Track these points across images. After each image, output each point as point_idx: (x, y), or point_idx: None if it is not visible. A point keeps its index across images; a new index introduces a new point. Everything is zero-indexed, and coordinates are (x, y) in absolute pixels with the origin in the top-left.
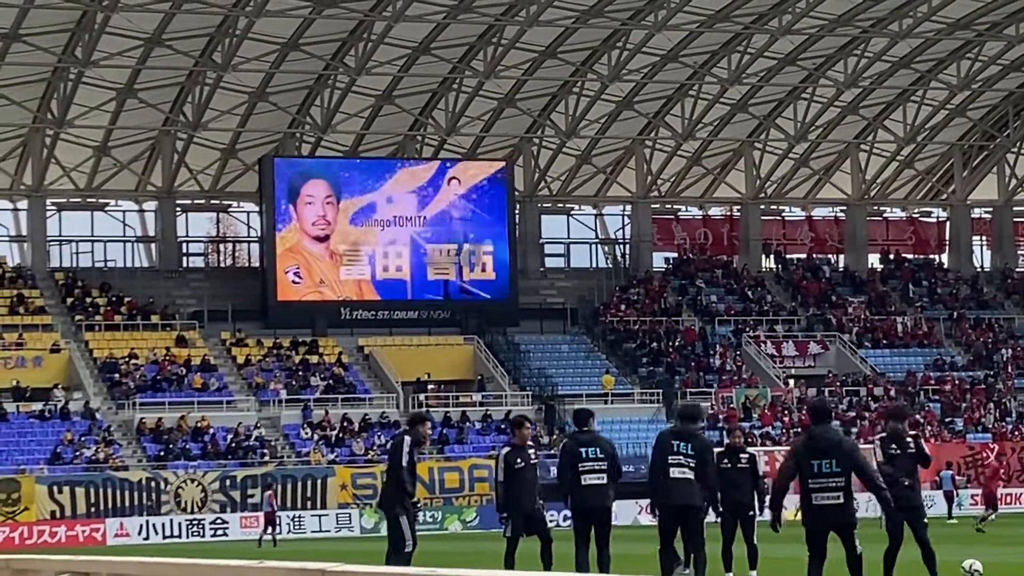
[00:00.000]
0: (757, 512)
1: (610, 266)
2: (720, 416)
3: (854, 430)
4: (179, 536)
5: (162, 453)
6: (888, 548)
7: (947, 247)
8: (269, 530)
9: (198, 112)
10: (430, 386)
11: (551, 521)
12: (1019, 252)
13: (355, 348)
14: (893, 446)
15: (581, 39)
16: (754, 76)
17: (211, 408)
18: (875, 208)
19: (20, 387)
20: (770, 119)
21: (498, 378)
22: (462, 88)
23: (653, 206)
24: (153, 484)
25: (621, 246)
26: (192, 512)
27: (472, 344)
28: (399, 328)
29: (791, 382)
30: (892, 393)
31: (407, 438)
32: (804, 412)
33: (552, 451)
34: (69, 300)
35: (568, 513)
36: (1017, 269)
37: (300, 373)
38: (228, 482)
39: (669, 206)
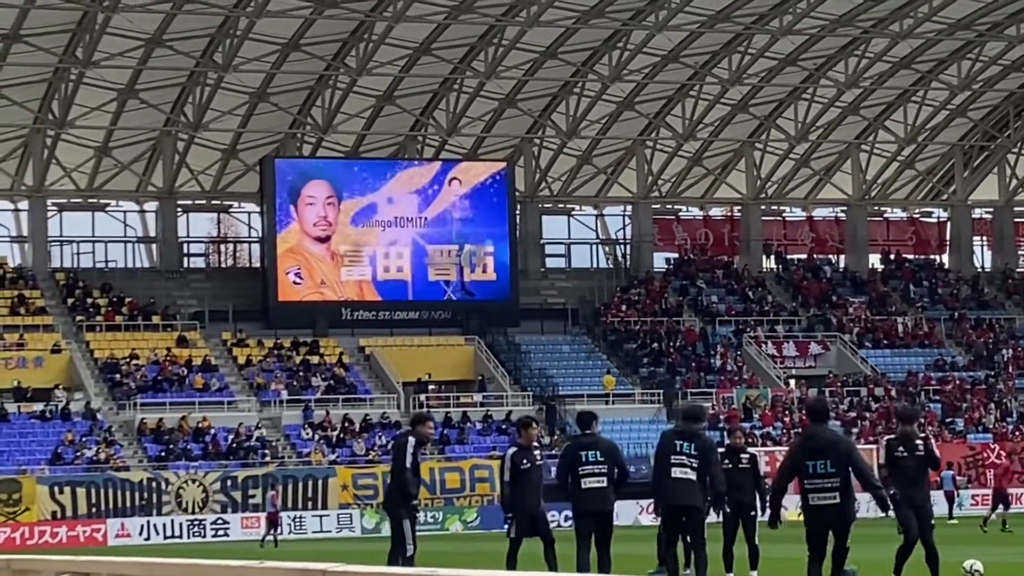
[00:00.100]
0: (759, 512)
1: (611, 266)
2: (721, 416)
3: (855, 431)
4: (180, 536)
5: (163, 453)
6: (901, 545)
7: (948, 247)
8: (271, 530)
9: (199, 112)
10: (431, 386)
11: (551, 521)
12: (1020, 252)
13: (356, 348)
14: (900, 448)
15: (582, 39)
16: (755, 76)
17: (212, 408)
18: (876, 208)
19: (21, 387)
20: (771, 119)
21: (499, 378)
22: (463, 88)
23: (654, 206)
24: (154, 484)
25: (622, 246)
26: (193, 512)
27: (473, 344)
28: (400, 328)
29: (792, 382)
30: (893, 393)
31: (411, 439)
32: (803, 412)
33: (553, 451)
34: (70, 300)
35: (569, 513)
36: (1018, 269)
37: (301, 373)
38: (229, 482)
39: (670, 206)
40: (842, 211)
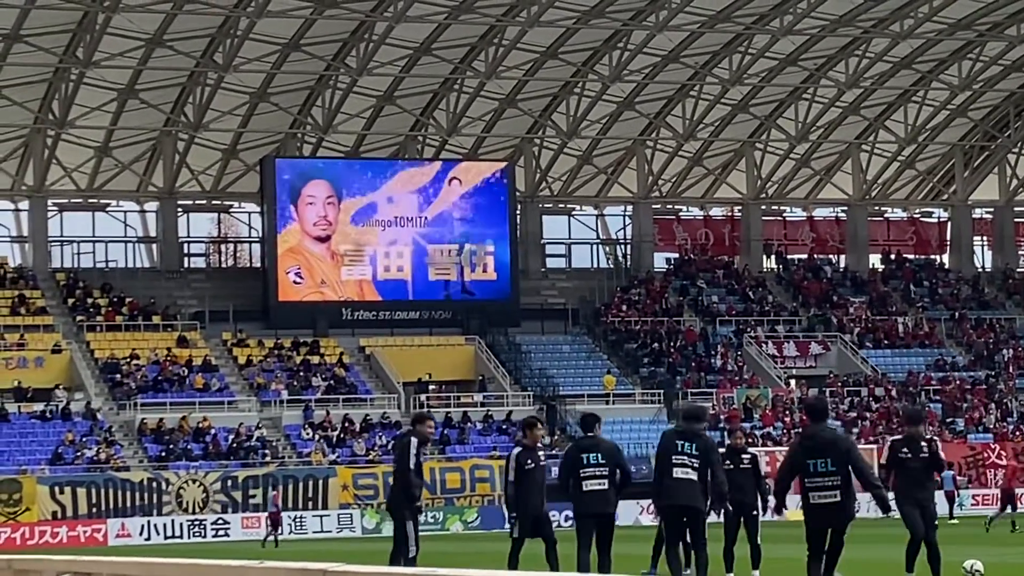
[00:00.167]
0: (760, 512)
1: (611, 266)
2: (721, 417)
3: (855, 431)
4: (180, 537)
5: (163, 453)
6: (909, 544)
7: (948, 247)
8: (274, 531)
9: (199, 112)
10: (431, 386)
11: (552, 521)
12: (1020, 252)
13: (356, 348)
14: (904, 450)
15: (582, 40)
16: (755, 76)
17: (212, 408)
18: (876, 208)
19: (21, 388)
20: (771, 119)
21: (499, 378)
22: (463, 88)
23: (654, 206)
24: (154, 485)
25: (622, 246)
26: (193, 513)
27: (473, 344)
28: (400, 328)
29: (792, 382)
30: (894, 393)
31: (413, 439)
32: (803, 412)
33: (554, 451)
34: (70, 301)
35: (569, 513)
36: (1018, 269)
37: (301, 373)
38: (229, 482)
39: (670, 206)
40: (842, 211)
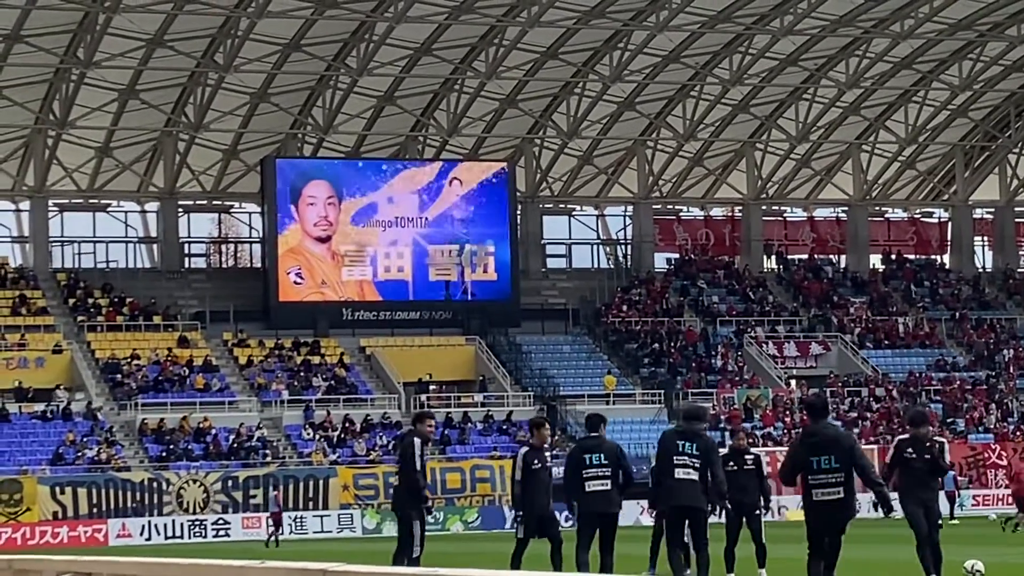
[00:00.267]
0: (763, 512)
1: (612, 267)
2: (722, 417)
3: (856, 431)
4: (181, 537)
5: (164, 454)
6: (917, 546)
7: (949, 247)
8: (276, 531)
9: (200, 113)
10: (432, 387)
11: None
12: (1021, 252)
13: (357, 349)
14: (909, 450)
15: (582, 40)
16: (755, 77)
17: (213, 409)
18: (877, 208)
19: (22, 388)
20: (771, 120)
21: (500, 379)
22: (464, 89)
23: (655, 207)
24: (155, 485)
25: (623, 247)
26: (194, 513)
27: (474, 345)
28: (401, 329)
29: (793, 383)
30: (894, 394)
31: (416, 440)
32: (803, 412)
33: (554, 451)
34: (71, 301)
35: (569, 514)
36: (1019, 269)
37: (302, 374)
38: (230, 483)
39: (671, 207)
40: (843, 211)
